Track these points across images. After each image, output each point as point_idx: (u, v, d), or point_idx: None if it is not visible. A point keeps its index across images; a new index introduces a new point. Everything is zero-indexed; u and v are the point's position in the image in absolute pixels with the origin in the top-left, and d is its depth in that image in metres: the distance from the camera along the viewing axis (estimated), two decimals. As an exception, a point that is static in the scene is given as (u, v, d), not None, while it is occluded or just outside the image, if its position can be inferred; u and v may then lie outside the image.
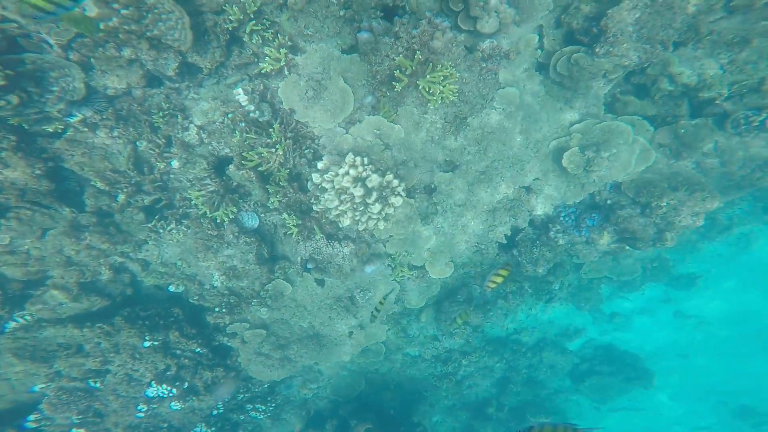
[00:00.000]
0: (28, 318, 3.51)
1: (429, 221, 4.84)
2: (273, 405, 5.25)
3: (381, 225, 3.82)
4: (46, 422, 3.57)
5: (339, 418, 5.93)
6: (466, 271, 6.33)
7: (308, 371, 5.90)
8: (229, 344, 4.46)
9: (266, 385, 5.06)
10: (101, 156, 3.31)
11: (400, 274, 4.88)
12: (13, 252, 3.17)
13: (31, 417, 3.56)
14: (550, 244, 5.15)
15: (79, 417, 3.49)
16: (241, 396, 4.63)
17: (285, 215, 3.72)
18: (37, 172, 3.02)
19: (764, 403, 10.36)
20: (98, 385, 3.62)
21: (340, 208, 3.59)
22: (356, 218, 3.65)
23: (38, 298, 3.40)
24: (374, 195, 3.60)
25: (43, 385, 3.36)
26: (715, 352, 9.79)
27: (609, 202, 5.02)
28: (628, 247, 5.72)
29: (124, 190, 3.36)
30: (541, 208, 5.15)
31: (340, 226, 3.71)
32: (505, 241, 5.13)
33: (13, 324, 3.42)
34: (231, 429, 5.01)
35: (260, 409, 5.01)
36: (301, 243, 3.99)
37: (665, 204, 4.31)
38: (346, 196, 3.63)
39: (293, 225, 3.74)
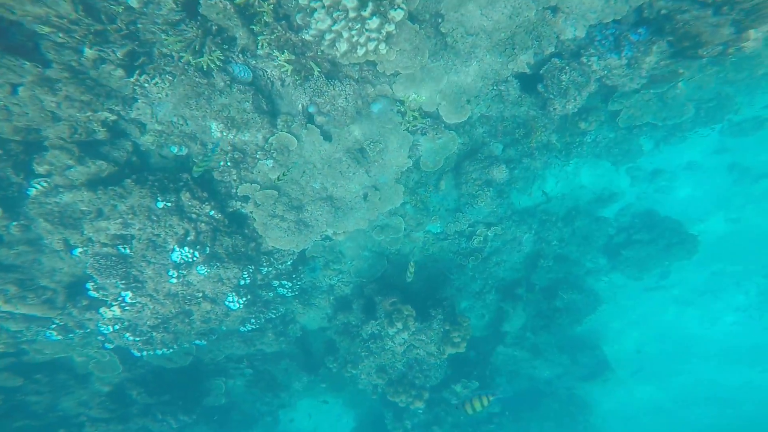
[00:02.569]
0: (45, 184, 4.03)
1: (439, 57, 4.93)
2: (299, 282, 6.11)
3: (383, 49, 3.92)
4: (101, 290, 4.36)
5: (365, 297, 6.86)
6: (485, 129, 6.59)
7: (329, 251, 6.68)
8: (243, 210, 5.06)
9: (289, 263, 5.82)
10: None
11: (412, 121, 5.15)
12: None
13: (89, 285, 4.36)
14: (582, 69, 5.21)
15: (123, 282, 4.24)
16: (265, 269, 5.41)
17: (276, 52, 3.86)
18: None
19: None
20: (128, 251, 4.29)
21: (334, 28, 3.66)
22: (353, 40, 3.73)
23: (43, 159, 3.86)
24: (370, 6, 3.65)
25: (81, 249, 4.03)
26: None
27: (664, 12, 4.83)
28: (681, 70, 5.70)
29: (86, 40, 3.49)
30: (570, 31, 5.08)
31: (337, 55, 3.81)
32: (528, 71, 5.12)
33: (33, 190, 3.90)
34: (263, 305, 5.96)
35: (286, 285, 5.86)
36: (299, 85, 4.18)
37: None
38: (338, 12, 3.69)
39: (286, 62, 3.89)
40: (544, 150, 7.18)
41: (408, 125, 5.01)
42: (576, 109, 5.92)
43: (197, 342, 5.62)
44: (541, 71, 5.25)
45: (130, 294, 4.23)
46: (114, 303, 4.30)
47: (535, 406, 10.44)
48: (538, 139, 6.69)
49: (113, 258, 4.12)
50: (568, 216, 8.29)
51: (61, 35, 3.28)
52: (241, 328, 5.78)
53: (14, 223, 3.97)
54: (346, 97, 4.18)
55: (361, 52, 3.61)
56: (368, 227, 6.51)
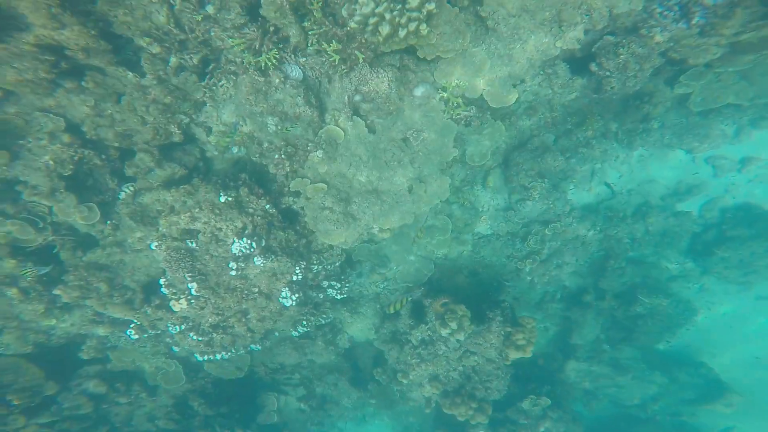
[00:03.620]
0: (131, 188, 4.85)
1: (480, 42, 5.22)
2: (347, 285, 6.39)
3: (424, 29, 4.26)
4: (171, 287, 5.00)
5: (412, 302, 6.94)
6: (533, 121, 6.64)
7: (375, 255, 6.94)
8: (294, 207, 5.55)
9: (337, 264, 6.17)
10: (143, 15, 4.27)
11: (456, 109, 5.12)
12: (100, 115, 4.36)
13: (162, 280, 5.03)
14: (642, 41, 5.10)
15: (190, 275, 4.84)
16: (316, 267, 5.78)
17: (324, 44, 4.44)
18: (93, 32, 3.99)
19: None
20: (194, 245, 4.90)
21: (377, 11, 4.13)
22: (395, 21, 4.10)
23: (132, 162, 4.68)
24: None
25: (157, 243, 4.71)
26: None
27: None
28: None
29: (173, 49, 4.32)
30: (624, 3, 5.07)
31: (380, 41, 4.22)
32: (578, 47, 5.10)
33: (122, 194, 4.64)
34: (313, 307, 6.29)
35: (335, 286, 6.16)
36: (345, 76, 4.69)
37: None
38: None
39: (334, 52, 4.44)
40: (602, 139, 7.05)
41: (452, 113, 5.27)
42: (637, 87, 5.77)
43: (253, 347, 6.04)
44: (593, 49, 5.32)
45: (195, 286, 4.76)
46: (182, 296, 4.87)
47: (628, 436, 9.32)
48: (593, 126, 6.62)
49: (182, 251, 4.71)
50: (638, 212, 7.84)
51: (156, 47, 4.08)
52: (293, 333, 6.12)
53: (108, 222, 4.78)
54: (389, 84, 4.57)
55: (402, 33, 3.99)
56: (413, 230, 6.73)
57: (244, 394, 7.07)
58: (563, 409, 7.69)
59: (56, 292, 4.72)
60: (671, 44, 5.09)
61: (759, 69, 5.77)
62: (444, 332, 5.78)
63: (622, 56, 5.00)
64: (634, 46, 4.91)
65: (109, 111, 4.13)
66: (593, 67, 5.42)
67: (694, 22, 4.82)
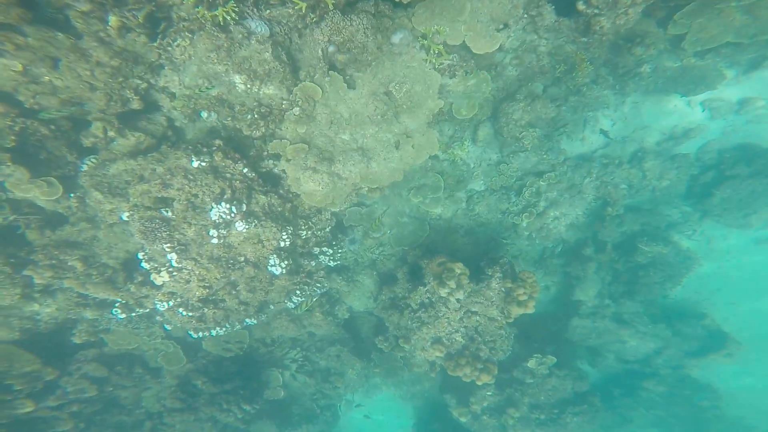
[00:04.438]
0: (94, 160, 4.49)
1: (456, -20, 4.78)
2: (340, 250, 6.07)
3: None
4: (151, 260, 4.67)
5: (409, 265, 6.59)
6: (519, 71, 6.19)
7: (367, 218, 6.59)
8: (276, 171, 5.18)
9: (327, 229, 5.83)
10: None
11: (438, 58, 4.71)
12: (36, 82, 3.87)
13: (140, 254, 4.69)
14: None
15: (169, 245, 4.50)
16: (304, 233, 5.44)
17: (287, -10, 4.00)
18: None
19: None
20: (170, 213, 4.55)
21: None
22: None
23: (88, 132, 4.29)
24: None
25: (128, 213, 4.35)
26: None
27: None
28: None
29: (107, 5, 3.81)
30: None
31: None
32: None
33: (84, 166, 4.31)
34: (306, 276, 5.97)
35: (327, 252, 5.83)
36: (316, 26, 4.27)
37: None
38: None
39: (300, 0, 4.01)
40: (593, 86, 6.61)
41: (434, 62, 4.87)
42: (629, 26, 5.36)
43: (248, 321, 5.75)
44: (576, -16, 4.87)
45: (175, 257, 4.44)
46: (162, 268, 4.54)
47: (633, 390, 9.10)
48: (583, 73, 6.17)
49: (157, 221, 4.37)
50: (634, 158, 7.46)
51: (86, 3, 3.63)
52: (288, 304, 5.83)
53: (72, 195, 4.42)
54: (364, 32, 4.16)
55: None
56: (405, 189, 6.37)
57: (247, 371, 6.86)
58: (569, 367, 7.44)
59: (26, 273, 4.39)
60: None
61: (764, 2, 5.25)
62: (443, 292, 5.47)
63: (608, -17, 4.54)
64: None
65: (47, 78, 3.71)
66: (581, 5, 5.00)
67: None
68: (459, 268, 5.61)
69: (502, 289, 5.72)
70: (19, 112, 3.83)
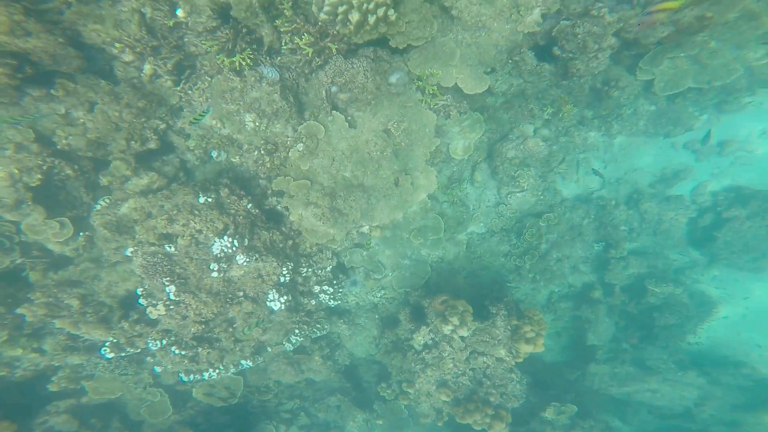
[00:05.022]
0: (107, 200, 4.55)
1: (447, 31, 5.20)
2: (340, 290, 5.84)
3: (392, 15, 4.16)
4: (149, 297, 4.51)
5: (411, 306, 6.29)
6: (510, 114, 6.51)
7: (368, 261, 6.44)
8: (279, 208, 5.19)
9: (329, 268, 5.68)
10: (114, 23, 4.25)
11: (433, 99, 5.03)
12: (72, 124, 4.18)
13: (139, 290, 4.53)
14: (595, 20, 5.19)
15: (168, 279, 4.36)
16: (305, 270, 5.29)
17: (297, 39, 4.37)
18: (60, 40, 3.93)
19: None
20: (173, 249, 4.48)
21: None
22: (363, 7, 4.07)
23: (107, 172, 4.39)
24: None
25: (132, 249, 4.29)
26: None
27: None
28: (709, 14, 5.41)
29: (146, 55, 4.26)
30: None
31: (351, 30, 4.16)
32: (539, 30, 5.08)
33: (97, 206, 4.40)
34: (306, 315, 5.68)
35: (328, 291, 5.61)
36: (320, 69, 4.61)
37: None
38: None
39: (307, 45, 4.36)
40: (580, 127, 6.90)
41: (429, 102, 5.15)
42: (601, 68, 5.74)
43: (243, 363, 5.39)
44: (553, 33, 5.34)
45: (173, 289, 4.30)
46: (159, 302, 4.38)
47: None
48: (568, 115, 6.47)
49: (160, 255, 4.32)
50: (630, 200, 7.49)
51: (129, 54, 4.00)
52: (287, 345, 5.50)
53: (80, 234, 4.42)
54: (364, 73, 4.48)
55: (372, 19, 3.97)
56: (406, 231, 6.33)
57: (239, 423, 6.23)
58: (594, 418, 6.69)
59: (19, 311, 4.23)
60: (621, 24, 5.15)
61: (705, 53, 5.71)
62: (446, 329, 5.18)
63: (579, 35, 5.05)
64: (588, 24, 4.97)
65: (81, 120, 3.95)
66: (556, 50, 5.44)
67: (635, 1, 4.94)
68: (462, 305, 5.37)
69: (508, 327, 5.41)
70: (51, 152, 4.00)
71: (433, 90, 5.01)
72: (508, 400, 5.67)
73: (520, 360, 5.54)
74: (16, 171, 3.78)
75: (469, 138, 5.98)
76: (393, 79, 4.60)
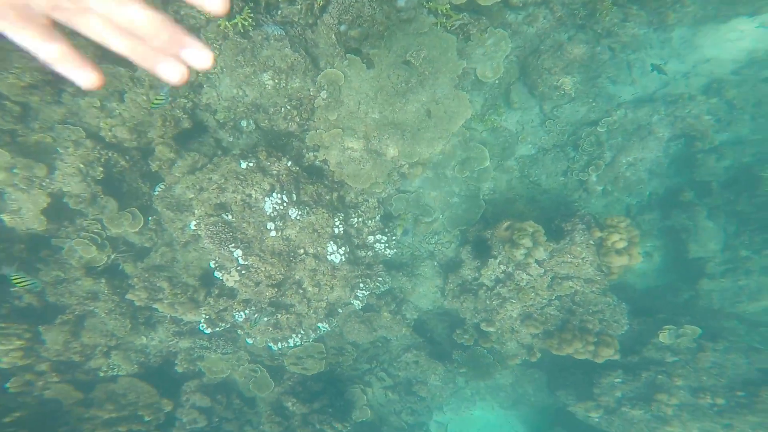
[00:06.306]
0: (164, 185, 4.64)
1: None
2: (394, 237, 5.28)
3: None
4: (222, 269, 4.45)
5: (471, 243, 5.45)
6: (535, 28, 5.46)
7: (415, 205, 5.78)
8: (317, 163, 4.86)
9: (377, 217, 5.17)
10: None
11: (447, 20, 4.42)
12: (110, 116, 4.26)
13: (212, 263, 4.51)
14: None
15: (233, 245, 4.24)
16: (355, 219, 4.84)
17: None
18: None
19: None
20: (230, 216, 4.37)
21: None
22: None
23: (154, 157, 4.47)
24: None
25: (195, 222, 4.27)
26: None
27: None
28: None
29: None
30: None
31: None
32: None
33: (156, 191, 4.63)
34: (366, 267, 5.20)
35: (382, 240, 5.09)
36: (324, 12, 4.22)
37: None
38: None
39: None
40: (625, 24, 5.59)
41: (444, 23, 4.48)
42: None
43: (320, 326, 5.07)
44: None
45: (240, 253, 4.14)
46: (232, 268, 4.23)
47: None
48: (607, 12, 5.26)
49: (220, 224, 4.22)
50: (709, 90, 5.86)
51: None
52: (355, 302, 5.07)
53: (150, 219, 4.51)
54: (370, 4, 3.99)
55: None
56: (449, 168, 5.58)
57: (331, 389, 6.03)
58: (727, 339, 5.10)
59: (128, 297, 4.41)
60: None
61: None
62: (518, 254, 4.34)
63: None
64: None
65: (117, 111, 3.97)
66: None
67: None
68: (530, 226, 4.50)
69: (591, 241, 4.35)
70: (103, 146, 4.11)
71: (445, 9, 4.33)
72: (609, 326, 4.54)
73: (614, 278, 4.43)
74: (82, 165, 3.90)
75: (496, 58, 5.12)
76: (401, 2, 4.03)
